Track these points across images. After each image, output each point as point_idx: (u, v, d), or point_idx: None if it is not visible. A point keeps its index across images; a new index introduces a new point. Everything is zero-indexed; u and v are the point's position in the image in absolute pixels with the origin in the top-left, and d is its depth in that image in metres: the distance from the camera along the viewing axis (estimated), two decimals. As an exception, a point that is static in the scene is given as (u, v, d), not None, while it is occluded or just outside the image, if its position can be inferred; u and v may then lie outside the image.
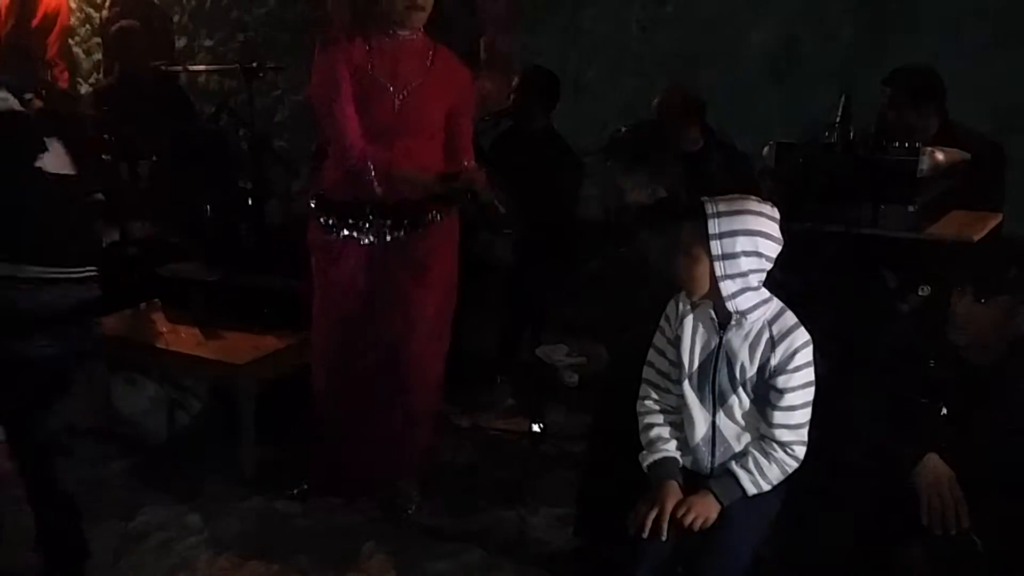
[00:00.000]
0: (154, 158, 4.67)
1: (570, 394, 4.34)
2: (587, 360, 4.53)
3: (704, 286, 2.28)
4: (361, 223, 3.19)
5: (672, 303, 2.44)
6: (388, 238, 3.21)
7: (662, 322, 2.47)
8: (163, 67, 4.99)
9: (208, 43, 6.88)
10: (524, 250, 4.28)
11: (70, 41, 7.32)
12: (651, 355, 2.49)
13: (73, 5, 7.32)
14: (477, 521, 3.39)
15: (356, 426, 3.36)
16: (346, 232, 3.21)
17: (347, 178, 3.17)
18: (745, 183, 2.83)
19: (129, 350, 3.92)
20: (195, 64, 6.50)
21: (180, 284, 4.08)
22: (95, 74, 7.38)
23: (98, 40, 7.20)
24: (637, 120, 4.26)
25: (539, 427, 3.99)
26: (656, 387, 2.48)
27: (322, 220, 3.25)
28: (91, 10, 7.39)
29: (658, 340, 2.48)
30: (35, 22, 6.58)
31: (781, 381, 2.26)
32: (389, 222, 3.19)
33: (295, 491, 3.49)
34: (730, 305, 2.26)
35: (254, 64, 4.46)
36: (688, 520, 2.29)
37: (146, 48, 5.28)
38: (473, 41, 5.79)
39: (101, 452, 3.81)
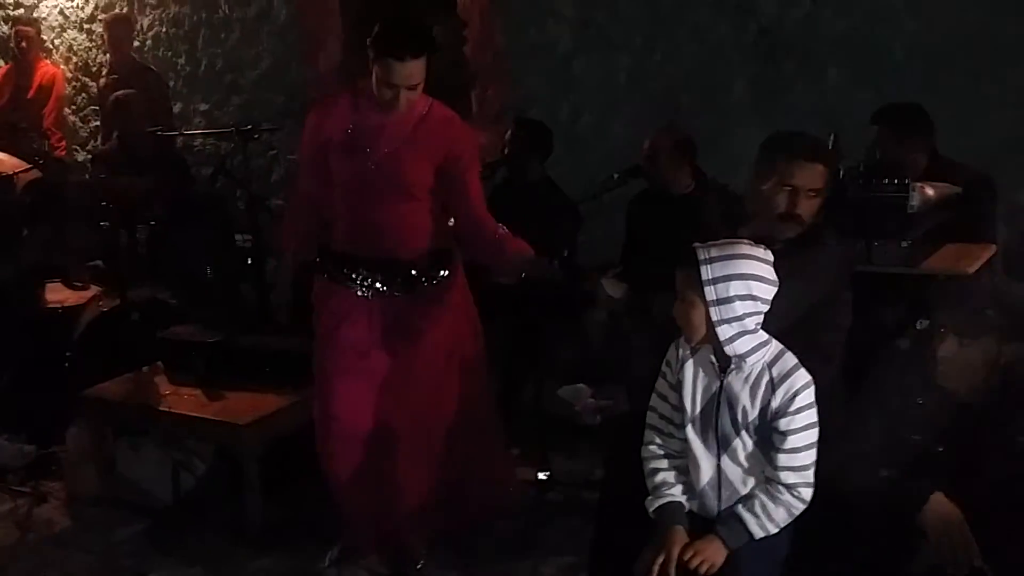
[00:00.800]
0: (152, 223, 4.71)
1: (576, 441, 4.32)
2: (613, 402, 4.51)
3: (702, 331, 2.30)
4: (357, 278, 3.21)
5: (672, 347, 2.46)
6: (384, 295, 3.21)
7: (664, 367, 2.48)
8: (159, 132, 5.05)
9: (203, 107, 6.96)
10: (525, 298, 4.31)
11: (66, 110, 7.42)
12: (654, 400, 2.50)
13: (69, 75, 7.43)
14: (487, 573, 3.39)
15: (360, 484, 3.30)
16: (347, 285, 3.21)
17: (344, 231, 3.21)
18: (738, 226, 2.84)
19: (132, 414, 3.94)
20: (191, 128, 6.57)
21: (181, 346, 4.09)
22: (92, 141, 7.45)
23: (95, 108, 7.29)
24: (629, 166, 4.32)
25: (545, 475, 3.99)
26: (660, 432, 2.49)
27: (323, 273, 3.28)
28: (87, 79, 7.48)
29: (660, 385, 2.50)
30: (31, 93, 6.69)
31: (783, 424, 2.27)
32: (381, 279, 3.20)
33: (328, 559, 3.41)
34: (728, 349, 2.28)
35: (249, 127, 4.51)
36: (694, 565, 2.28)
37: (144, 115, 5.33)
38: (464, 94, 5.88)
39: (108, 518, 3.82)
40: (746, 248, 2.30)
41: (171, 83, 6.96)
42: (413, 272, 3.21)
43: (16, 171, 4.76)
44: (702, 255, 2.27)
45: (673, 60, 5.22)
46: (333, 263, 3.26)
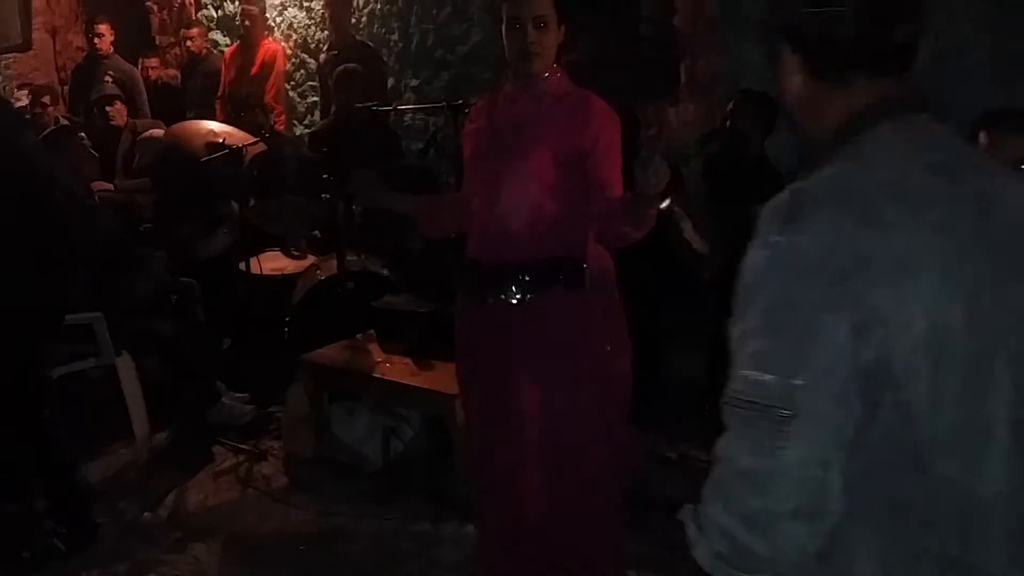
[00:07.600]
0: (368, 195, 4.82)
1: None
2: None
3: None
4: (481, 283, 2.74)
5: None
6: (510, 303, 2.67)
7: None
8: (374, 107, 5.16)
9: (414, 83, 7.11)
10: (731, 271, 4.18)
11: (286, 86, 7.74)
12: None
13: (288, 52, 7.75)
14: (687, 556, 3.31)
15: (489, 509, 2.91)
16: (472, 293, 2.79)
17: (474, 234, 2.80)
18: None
19: (346, 379, 4.08)
20: (403, 103, 6.72)
21: (394, 316, 4.20)
22: (309, 116, 7.75)
23: (312, 84, 7.57)
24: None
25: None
26: None
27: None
28: (305, 56, 7.78)
29: None
30: (254, 70, 6.99)
31: None
32: (505, 284, 2.66)
33: None
34: None
35: (460, 101, 4.54)
36: None
37: (365, 89, 5.45)
38: (672, 65, 5.75)
39: (322, 478, 3.97)
40: None
41: (385, 59, 7.13)
42: (537, 277, 2.65)
43: (245, 144, 4.97)
44: None
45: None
46: (464, 270, 2.83)
